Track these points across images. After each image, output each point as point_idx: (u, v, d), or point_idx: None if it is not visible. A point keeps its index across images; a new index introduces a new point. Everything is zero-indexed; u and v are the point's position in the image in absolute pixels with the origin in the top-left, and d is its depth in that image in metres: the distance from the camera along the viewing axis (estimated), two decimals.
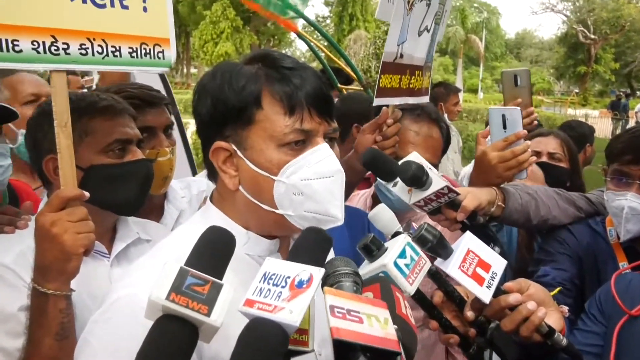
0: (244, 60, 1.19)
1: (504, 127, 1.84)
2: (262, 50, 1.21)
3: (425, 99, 2.16)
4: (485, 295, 1.17)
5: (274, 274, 0.82)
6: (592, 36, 41.29)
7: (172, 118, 2.02)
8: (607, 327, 1.52)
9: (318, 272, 0.80)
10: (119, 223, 1.69)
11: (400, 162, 1.50)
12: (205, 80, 1.17)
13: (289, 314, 0.74)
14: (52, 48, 1.35)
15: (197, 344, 0.77)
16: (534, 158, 1.82)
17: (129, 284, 1.08)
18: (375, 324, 0.77)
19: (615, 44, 43.99)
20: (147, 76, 2.64)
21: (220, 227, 0.87)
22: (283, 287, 0.79)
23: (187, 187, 2.17)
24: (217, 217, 1.19)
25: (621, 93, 28.21)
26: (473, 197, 1.60)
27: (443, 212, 1.59)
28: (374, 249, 1.15)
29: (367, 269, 1.15)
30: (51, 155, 1.53)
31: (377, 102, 1.88)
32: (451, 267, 1.15)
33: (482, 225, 1.67)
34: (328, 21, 43.39)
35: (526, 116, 2.42)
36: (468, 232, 1.24)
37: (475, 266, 1.18)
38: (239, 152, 1.13)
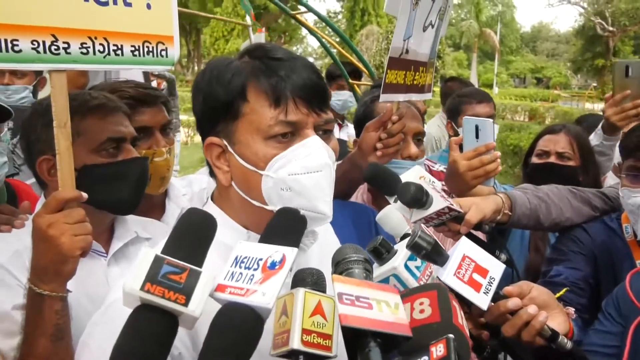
0: (238, 55, 1.18)
1: (477, 137, 1.87)
2: (255, 44, 1.20)
3: (428, 96, 2.14)
4: (483, 301, 1.13)
5: (245, 257, 0.80)
6: (611, 28, 40.60)
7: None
8: (624, 327, 1.48)
9: (291, 252, 0.79)
10: (116, 222, 1.67)
11: (401, 181, 1.47)
12: (198, 78, 1.18)
13: (262, 297, 0.73)
14: (53, 47, 1.32)
15: (177, 332, 0.75)
16: (500, 168, 1.87)
17: None
18: (385, 309, 0.76)
19: (634, 36, 43.22)
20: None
21: (200, 210, 0.86)
22: (255, 269, 0.78)
23: (188, 185, 2.15)
24: (217, 217, 1.15)
25: None
26: (477, 210, 1.59)
27: (447, 224, 1.57)
28: (383, 252, 1.13)
29: (377, 272, 1.13)
30: (44, 156, 1.53)
31: (383, 98, 1.87)
32: (446, 275, 1.10)
33: (488, 232, 1.65)
34: (340, 17, 43.30)
35: (633, 107, 2.43)
36: (464, 237, 1.20)
37: (472, 272, 1.13)
38: (229, 147, 1.12)
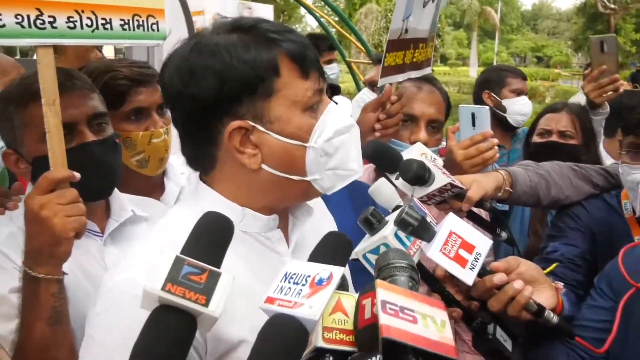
0: (221, 30, 1.09)
1: (473, 125, 1.86)
2: (235, 19, 1.13)
3: (427, 70, 2.11)
4: (468, 277, 1.14)
5: (294, 274, 0.82)
6: (612, 6, 40.25)
7: None
8: (615, 302, 1.49)
9: (337, 271, 0.80)
10: (112, 201, 1.64)
11: (402, 159, 1.46)
12: (195, 58, 1.06)
13: (309, 309, 0.74)
14: (38, 22, 1.28)
15: (195, 334, 0.76)
16: (498, 156, 1.87)
17: (124, 269, 1.05)
18: (431, 326, 0.71)
19: (635, 14, 42.90)
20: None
21: (217, 213, 0.85)
22: (303, 285, 0.79)
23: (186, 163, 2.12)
24: (210, 197, 1.13)
25: None
26: (478, 187, 1.57)
27: (448, 202, 1.56)
28: (374, 222, 1.14)
29: (368, 242, 1.15)
30: (7, 149, 1.50)
31: (382, 81, 1.85)
32: (432, 251, 1.11)
33: (489, 210, 1.64)
34: None
35: (610, 82, 2.46)
36: (451, 214, 1.21)
37: (458, 248, 1.14)
38: (260, 128, 1.06)
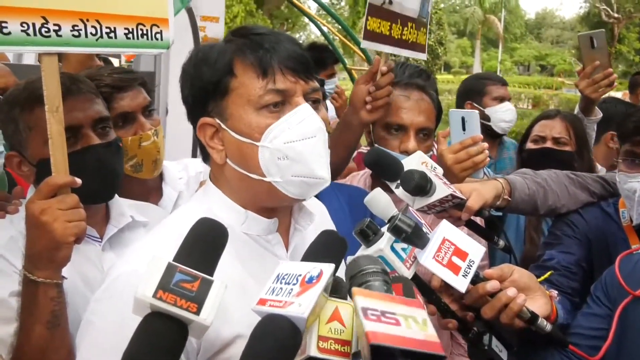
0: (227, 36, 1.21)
1: (463, 129, 1.87)
2: (239, 26, 1.22)
3: (422, 55, 2.10)
4: (461, 284, 1.14)
5: (286, 274, 0.82)
6: (616, 15, 40.29)
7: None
8: (611, 310, 1.48)
9: (328, 268, 0.80)
10: (112, 206, 1.66)
11: (403, 171, 1.44)
12: (185, 65, 1.20)
13: (298, 307, 0.74)
14: (43, 30, 1.31)
15: (187, 340, 0.76)
16: (488, 160, 1.87)
17: (129, 260, 1.09)
18: (414, 326, 0.70)
19: (639, 23, 42.93)
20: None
21: (211, 219, 0.86)
22: (294, 284, 0.79)
23: (184, 169, 2.13)
24: (217, 197, 1.19)
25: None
26: (478, 196, 1.57)
27: (448, 211, 1.56)
28: (370, 234, 1.14)
29: (364, 254, 1.13)
30: (11, 152, 1.52)
31: (364, 44, 1.87)
32: (425, 257, 1.12)
33: (487, 218, 1.64)
34: (343, 3, 43.15)
35: (605, 77, 2.48)
36: (444, 220, 1.20)
37: (451, 255, 1.14)
38: (222, 125, 1.14)
